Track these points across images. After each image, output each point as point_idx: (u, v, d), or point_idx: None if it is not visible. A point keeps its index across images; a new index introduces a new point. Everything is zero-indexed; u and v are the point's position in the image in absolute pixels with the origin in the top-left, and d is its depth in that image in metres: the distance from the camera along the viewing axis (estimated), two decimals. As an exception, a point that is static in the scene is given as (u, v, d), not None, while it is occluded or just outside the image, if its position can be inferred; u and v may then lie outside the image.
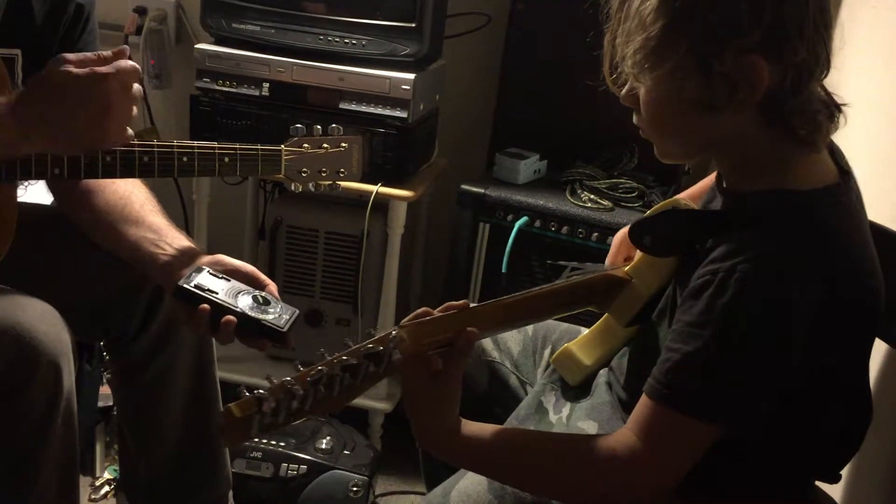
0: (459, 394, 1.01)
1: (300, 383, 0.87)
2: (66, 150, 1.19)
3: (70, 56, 1.14)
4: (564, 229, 1.90)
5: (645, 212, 1.22)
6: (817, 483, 1.13)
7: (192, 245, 1.36)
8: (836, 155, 1.02)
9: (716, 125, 0.98)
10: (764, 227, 0.95)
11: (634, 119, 1.05)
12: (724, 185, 1.07)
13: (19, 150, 1.18)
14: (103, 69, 1.13)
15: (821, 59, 0.96)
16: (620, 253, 1.30)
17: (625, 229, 1.31)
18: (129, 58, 1.17)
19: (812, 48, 0.94)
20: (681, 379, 0.95)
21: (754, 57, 0.91)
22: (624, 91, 1.03)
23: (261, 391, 0.85)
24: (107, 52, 1.16)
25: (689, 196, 1.26)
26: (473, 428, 1.02)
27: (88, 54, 1.15)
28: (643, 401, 0.98)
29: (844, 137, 1.08)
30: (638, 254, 1.17)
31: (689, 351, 0.94)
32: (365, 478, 1.90)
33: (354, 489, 1.89)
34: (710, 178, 1.22)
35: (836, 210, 0.98)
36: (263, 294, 1.25)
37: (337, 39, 1.95)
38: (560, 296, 1.13)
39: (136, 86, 1.18)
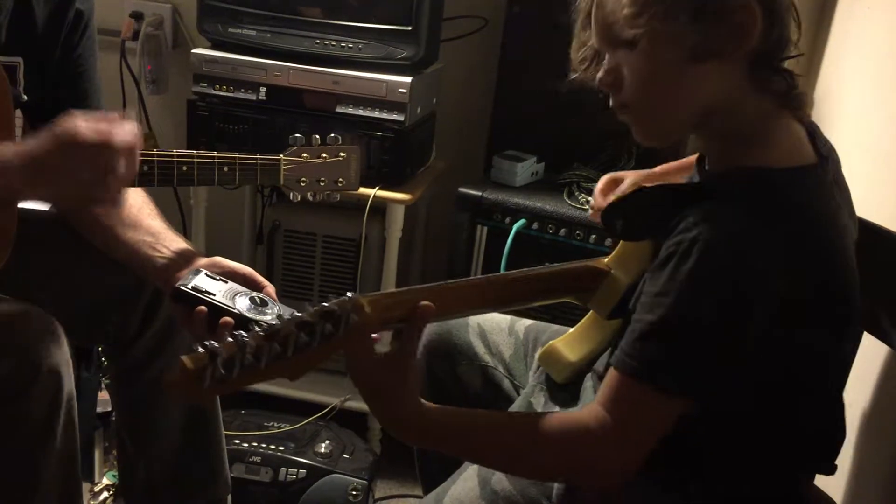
0: (416, 373, 0.99)
1: (252, 337, 0.87)
2: (65, 203, 1.21)
3: (80, 116, 1.16)
4: (562, 231, 1.91)
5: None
6: (817, 480, 1.13)
7: (190, 248, 1.37)
8: (815, 139, 1.03)
9: (707, 82, 0.98)
10: (730, 199, 0.95)
11: (612, 101, 1.04)
12: (705, 167, 1.07)
13: (21, 197, 1.21)
14: (111, 131, 1.15)
15: (792, 24, 0.99)
16: (602, 193, 1.30)
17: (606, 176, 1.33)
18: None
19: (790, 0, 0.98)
20: (645, 349, 0.95)
21: None
22: (602, 70, 1.03)
23: (213, 343, 0.85)
24: (113, 114, 1.18)
25: (664, 171, 1.26)
26: (436, 410, 1.00)
27: (97, 114, 1.17)
28: (610, 373, 0.98)
29: (841, 136, 1.09)
30: (618, 245, 1.16)
31: (652, 320, 0.94)
32: (364, 482, 1.90)
33: (354, 493, 1.88)
34: (687, 159, 1.23)
35: (806, 190, 0.98)
36: (261, 295, 1.25)
37: (333, 43, 1.96)
38: (534, 282, 1.12)
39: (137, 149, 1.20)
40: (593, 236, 1.88)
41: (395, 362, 0.98)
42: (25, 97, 1.38)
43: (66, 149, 1.14)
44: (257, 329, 0.88)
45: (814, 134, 1.03)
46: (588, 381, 1.24)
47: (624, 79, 1.01)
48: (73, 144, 1.14)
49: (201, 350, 0.85)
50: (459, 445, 1.05)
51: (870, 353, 1.27)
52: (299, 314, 0.90)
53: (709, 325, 0.93)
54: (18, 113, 1.39)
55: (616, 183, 1.36)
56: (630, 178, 1.35)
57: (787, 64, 1.01)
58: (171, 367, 0.85)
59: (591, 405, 0.99)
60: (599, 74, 1.04)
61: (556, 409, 1.23)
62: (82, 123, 1.14)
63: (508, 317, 1.42)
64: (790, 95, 1.00)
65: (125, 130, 1.16)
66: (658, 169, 1.32)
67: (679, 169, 1.26)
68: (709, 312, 0.93)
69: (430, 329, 1.40)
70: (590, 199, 1.94)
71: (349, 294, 0.93)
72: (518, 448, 1.02)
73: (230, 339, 0.86)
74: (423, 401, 1.00)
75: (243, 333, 0.87)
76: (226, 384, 0.86)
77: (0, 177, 1.15)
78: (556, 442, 1.00)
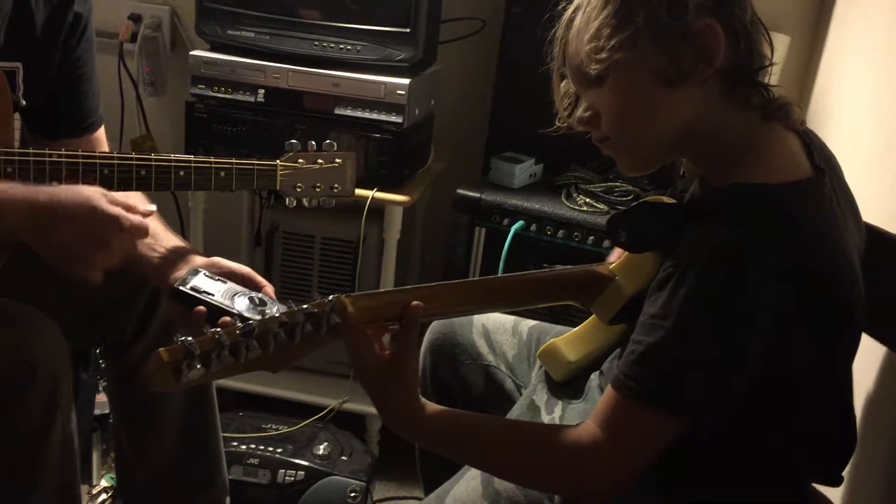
0: (416, 373, 1.00)
1: (228, 335, 0.88)
2: (51, 257, 1.20)
3: (107, 193, 1.20)
4: (560, 233, 1.91)
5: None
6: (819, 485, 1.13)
7: (189, 248, 1.37)
8: (812, 149, 1.02)
9: (683, 105, 0.98)
10: (727, 218, 0.95)
11: (595, 137, 1.06)
12: (705, 184, 1.07)
13: (18, 237, 1.20)
14: (128, 217, 1.18)
15: (762, 40, 0.99)
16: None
17: None
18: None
19: (753, 15, 0.98)
20: (644, 371, 0.95)
21: (706, 18, 0.94)
22: (580, 111, 1.05)
23: (189, 339, 0.86)
24: (137, 206, 1.22)
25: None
26: (438, 410, 1.01)
27: (119, 196, 1.21)
28: (608, 392, 0.98)
29: (836, 137, 1.08)
30: (624, 252, 1.17)
31: (651, 342, 0.94)
32: (363, 483, 1.90)
33: (352, 495, 1.88)
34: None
35: (804, 204, 0.97)
36: (260, 295, 1.25)
37: (332, 45, 1.96)
38: (530, 285, 1.13)
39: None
40: (591, 238, 1.88)
41: (392, 361, 0.98)
42: (24, 102, 1.38)
43: (85, 205, 1.16)
44: (235, 325, 0.88)
45: (810, 144, 1.03)
46: (594, 381, 1.24)
47: (601, 115, 1.02)
48: (95, 203, 1.16)
49: (177, 344, 0.85)
50: (455, 448, 1.05)
51: (869, 353, 1.27)
52: (279, 313, 0.90)
53: (706, 348, 0.93)
54: (17, 116, 1.39)
55: None
56: None
57: (778, 75, 1.01)
58: (149, 358, 0.86)
59: (587, 422, 0.99)
60: (577, 118, 1.06)
61: (559, 405, 1.23)
62: (105, 194, 1.18)
63: (512, 317, 1.43)
64: (772, 107, 1.00)
65: (139, 218, 1.20)
66: None
67: None
68: (706, 335, 0.93)
69: (435, 328, 1.41)
70: (588, 200, 1.95)
71: (331, 296, 0.94)
72: (511, 458, 1.03)
73: (208, 335, 0.87)
74: (425, 401, 1.01)
75: (220, 330, 0.87)
76: (203, 378, 0.87)
77: (4, 215, 1.16)
78: (548, 455, 1.01)
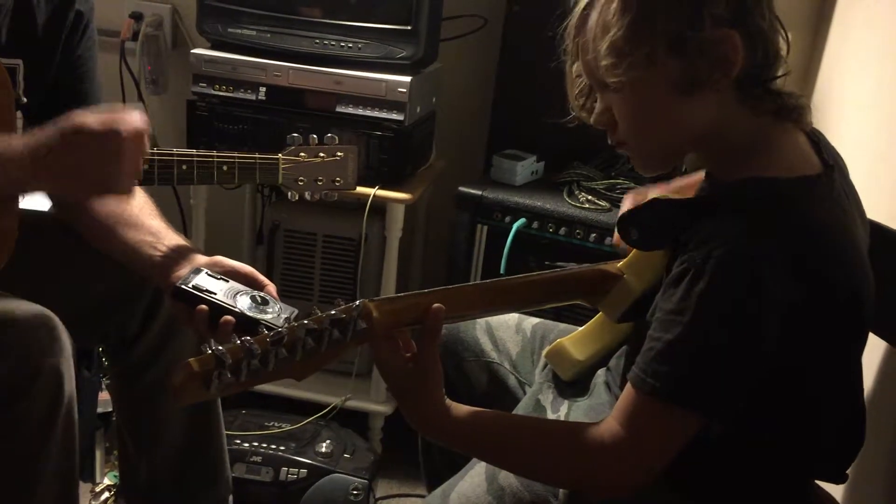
0: (440, 374, 1.01)
1: (258, 343, 0.88)
2: (73, 194, 1.22)
3: (85, 111, 1.18)
4: (562, 230, 1.91)
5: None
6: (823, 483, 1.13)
7: (191, 247, 1.37)
8: (820, 147, 1.03)
9: (698, 112, 0.99)
10: (739, 213, 0.95)
11: (610, 139, 1.06)
12: (713, 179, 1.08)
13: (28, 189, 1.22)
14: (116, 119, 1.16)
15: (779, 39, 0.98)
16: None
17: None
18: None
19: (771, 17, 0.98)
20: (663, 368, 0.95)
21: (724, 28, 0.94)
22: (596, 111, 1.05)
23: (219, 348, 0.86)
24: (118, 106, 1.19)
25: (676, 189, 1.26)
26: (463, 410, 1.03)
27: (102, 107, 1.20)
28: (627, 390, 0.98)
29: (838, 134, 1.08)
30: (632, 250, 1.17)
31: (669, 339, 0.95)
32: (365, 481, 1.90)
33: (355, 492, 1.89)
34: (699, 175, 1.23)
35: (814, 199, 0.98)
36: (262, 294, 1.25)
37: (333, 43, 1.96)
38: (543, 285, 1.13)
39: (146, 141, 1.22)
40: (593, 235, 1.88)
41: (416, 366, 1.00)
42: (25, 99, 1.38)
43: (72, 140, 1.15)
44: (264, 333, 0.88)
45: (818, 143, 1.03)
46: (600, 377, 1.24)
47: (616, 118, 1.02)
48: (79, 135, 1.15)
49: (208, 353, 0.85)
50: (480, 448, 1.07)
51: (870, 348, 1.27)
52: (306, 320, 0.90)
53: (724, 344, 0.94)
54: (19, 114, 1.39)
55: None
56: (651, 193, 1.34)
57: (784, 73, 1.01)
58: (175, 370, 0.85)
59: (608, 419, 1.00)
60: (593, 118, 1.06)
61: (565, 403, 1.23)
62: (87, 115, 1.16)
63: (516, 315, 1.43)
64: (786, 109, 1.00)
65: (131, 117, 1.18)
66: (673, 185, 1.32)
67: (694, 183, 1.26)
68: (724, 331, 0.93)
69: None
70: (590, 197, 1.95)
71: (357, 301, 0.94)
72: (536, 456, 1.04)
73: (237, 344, 0.86)
74: (450, 402, 1.02)
75: (249, 339, 0.87)
76: (231, 388, 0.87)
77: (10, 169, 1.17)
78: (570, 453, 1.01)
